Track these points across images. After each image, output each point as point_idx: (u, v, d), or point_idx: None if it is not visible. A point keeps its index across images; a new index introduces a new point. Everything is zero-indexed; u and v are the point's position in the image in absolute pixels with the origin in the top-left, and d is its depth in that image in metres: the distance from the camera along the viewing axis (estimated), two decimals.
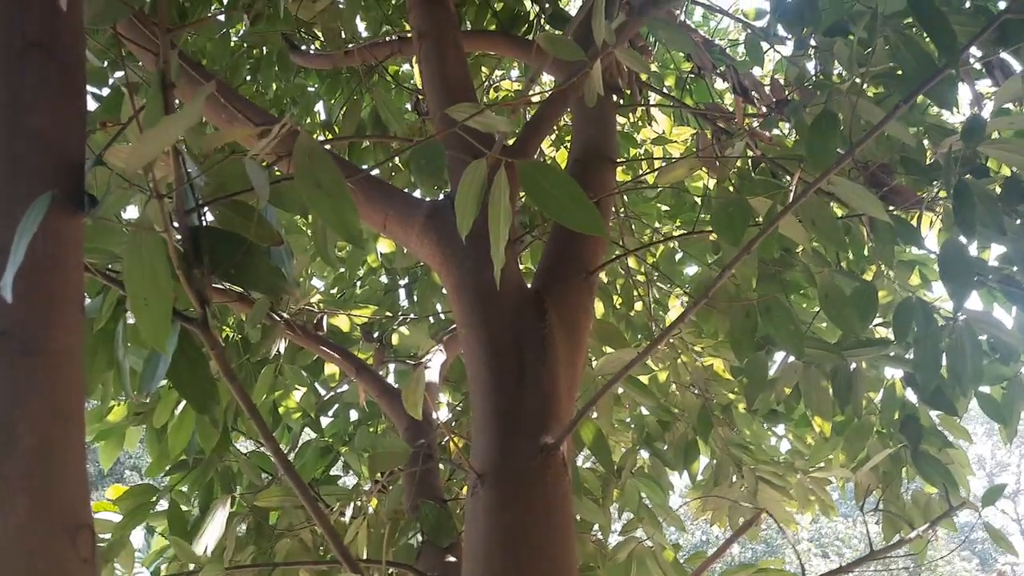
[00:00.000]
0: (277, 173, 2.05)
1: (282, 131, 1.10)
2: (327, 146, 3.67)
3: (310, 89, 4.04)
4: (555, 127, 3.76)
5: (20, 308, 0.91)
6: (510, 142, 2.31)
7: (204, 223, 1.29)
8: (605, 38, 1.55)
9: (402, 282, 4.10)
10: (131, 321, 1.68)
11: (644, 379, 3.09)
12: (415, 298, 3.99)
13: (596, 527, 3.01)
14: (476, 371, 1.89)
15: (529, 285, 2.11)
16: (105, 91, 2.95)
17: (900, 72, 1.87)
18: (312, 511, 1.45)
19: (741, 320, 2.20)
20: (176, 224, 1.23)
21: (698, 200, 3.81)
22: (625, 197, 3.55)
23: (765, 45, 2.91)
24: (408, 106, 4.07)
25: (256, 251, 1.28)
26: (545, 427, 1.77)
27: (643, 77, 3.26)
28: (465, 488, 3.11)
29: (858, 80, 1.95)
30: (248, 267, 1.28)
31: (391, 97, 3.61)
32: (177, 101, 1.22)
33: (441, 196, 3.09)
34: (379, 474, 2.67)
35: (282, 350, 2.98)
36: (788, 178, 2.60)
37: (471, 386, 1.92)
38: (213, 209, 1.33)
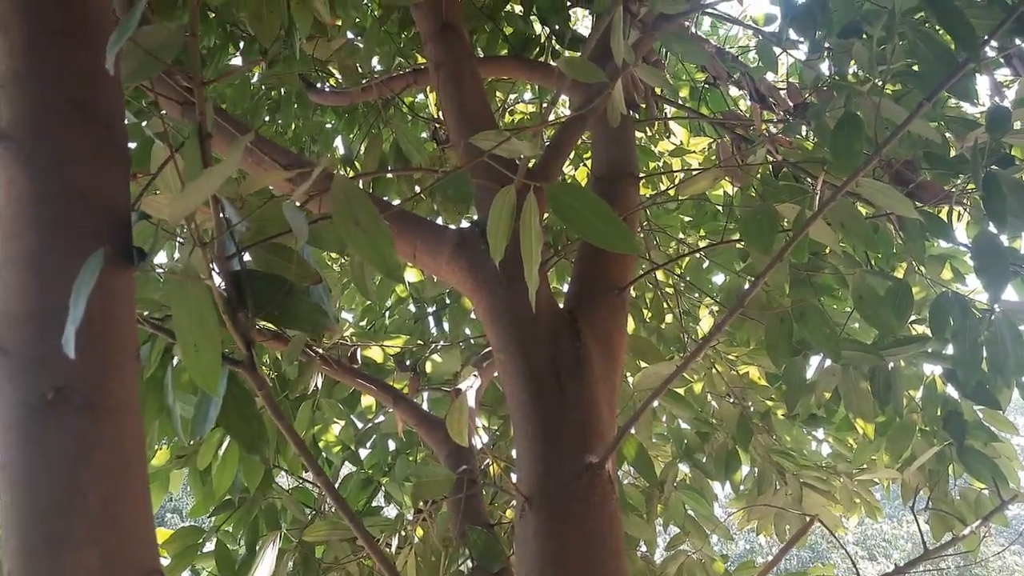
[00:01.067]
0: (308, 213, 2.08)
1: (318, 174, 1.12)
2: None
3: (328, 126, 4.10)
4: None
5: (80, 363, 0.94)
6: (530, 164, 2.33)
7: (244, 267, 1.31)
8: (624, 57, 1.57)
9: (430, 310, 4.13)
10: (176, 367, 1.72)
11: (680, 391, 3.09)
12: (445, 325, 4.01)
13: (642, 542, 3.00)
14: (515, 394, 1.90)
15: (560, 305, 2.12)
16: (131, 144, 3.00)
17: (918, 68, 1.87)
18: (365, 541, 1.46)
19: (776, 326, 2.20)
20: (218, 270, 1.25)
21: (720, 209, 3.82)
22: (648, 211, 3.56)
23: (778, 50, 2.92)
24: (425, 135, 4.12)
25: (296, 291, 1.31)
26: (588, 446, 1.78)
27: (658, 90, 3.28)
28: (509, 512, 3.12)
29: (878, 80, 1.96)
30: (290, 307, 1.30)
31: (409, 128, 3.66)
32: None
33: (464, 223, 3.11)
34: (422, 503, 2.68)
35: (319, 385, 3.01)
36: (811, 181, 2.60)
37: (511, 409, 1.93)
38: (252, 253, 1.35)
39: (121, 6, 2.43)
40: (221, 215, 1.21)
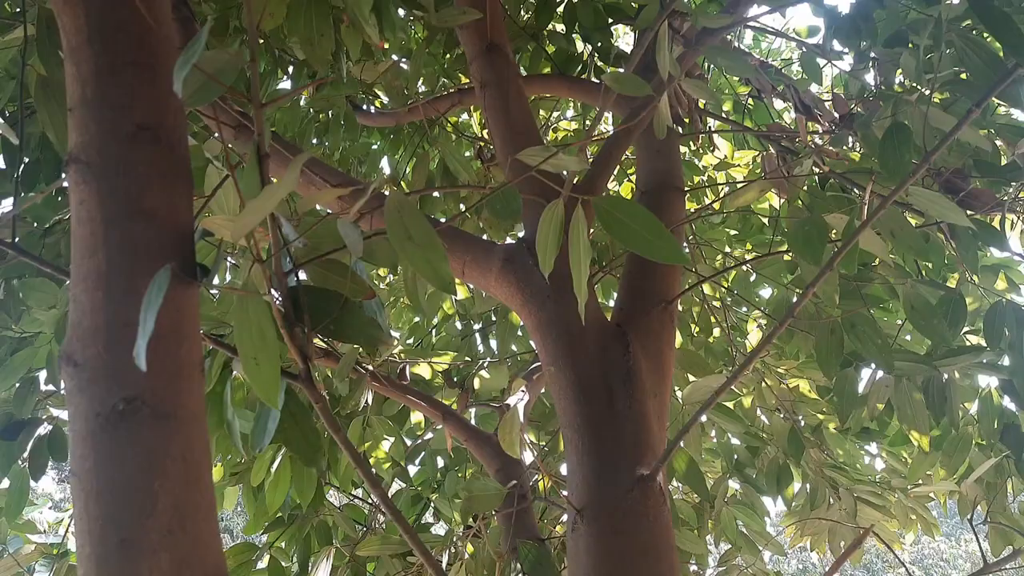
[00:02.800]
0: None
1: (372, 192, 1.15)
2: None
3: (374, 147, 4.17)
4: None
5: (149, 376, 0.97)
6: (576, 179, 2.35)
7: (300, 283, 1.34)
8: (670, 71, 1.58)
9: (476, 326, 4.16)
10: (233, 381, 1.76)
11: (729, 405, 3.06)
12: (491, 342, 4.04)
13: (694, 557, 2.97)
14: (566, 408, 1.91)
15: (608, 318, 2.13)
16: None
17: (967, 76, 1.85)
18: (420, 552, 1.48)
19: (826, 338, 2.18)
20: (276, 285, 1.29)
21: (766, 221, 3.80)
22: (693, 225, 3.56)
23: (822, 61, 2.91)
24: (469, 154, 4.17)
25: (351, 305, 1.34)
26: (639, 459, 1.78)
27: (702, 103, 3.28)
28: (559, 527, 3.11)
29: (926, 89, 1.94)
30: (345, 321, 1.33)
31: (454, 147, 3.70)
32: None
33: (509, 239, 3.13)
34: (472, 518, 2.69)
35: (369, 402, 3.04)
36: (858, 191, 2.58)
37: (561, 422, 1.94)
38: (307, 268, 1.39)
39: (177, 34, 2.51)
40: (279, 233, 1.24)
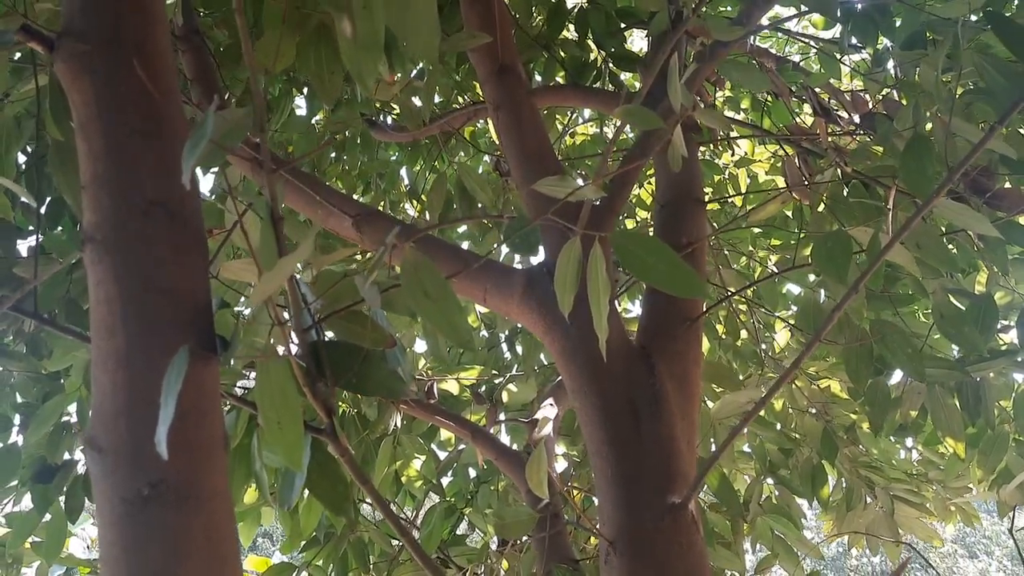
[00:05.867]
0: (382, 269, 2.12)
1: (382, 254, 1.15)
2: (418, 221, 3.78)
3: (392, 158, 4.17)
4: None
5: (172, 458, 0.98)
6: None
7: (321, 337, 1.34)
8: (683, 102, 1.56)
9: (503, 335, 4.16)
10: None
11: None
12: (519, 351, 4.03)
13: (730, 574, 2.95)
14: (592, 435, 1.90)
15: (632, 329, 2.11)
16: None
17: (987, 86, 1.81)
18: None
19: (855, 349, 2.15)
20: (296, 342, 1.29)
21: (789, 215, 3.75)
22: (715, 226, 3.53)
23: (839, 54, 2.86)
24: (488, 159, 4.16)
25: (373, 357, 1.34)
26: (669, 486, 1.77)
27: (719, 104, 3.24)
28: (593, 539, 3.11)
29: (948, 94, 1.90)
30: (367, 374, 1.33)
31: (471, 166, 3.70)
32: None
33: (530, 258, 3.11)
34: None
35: (399, 423, 3.05)
36: (881, 192, 2.54)
37: (589, 450, 1.92)
38: (327, 321, 1.39)
39: (188, 67, 2.52)
40: (296, 289, 1.24)
